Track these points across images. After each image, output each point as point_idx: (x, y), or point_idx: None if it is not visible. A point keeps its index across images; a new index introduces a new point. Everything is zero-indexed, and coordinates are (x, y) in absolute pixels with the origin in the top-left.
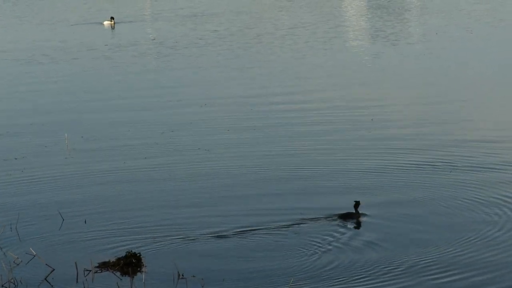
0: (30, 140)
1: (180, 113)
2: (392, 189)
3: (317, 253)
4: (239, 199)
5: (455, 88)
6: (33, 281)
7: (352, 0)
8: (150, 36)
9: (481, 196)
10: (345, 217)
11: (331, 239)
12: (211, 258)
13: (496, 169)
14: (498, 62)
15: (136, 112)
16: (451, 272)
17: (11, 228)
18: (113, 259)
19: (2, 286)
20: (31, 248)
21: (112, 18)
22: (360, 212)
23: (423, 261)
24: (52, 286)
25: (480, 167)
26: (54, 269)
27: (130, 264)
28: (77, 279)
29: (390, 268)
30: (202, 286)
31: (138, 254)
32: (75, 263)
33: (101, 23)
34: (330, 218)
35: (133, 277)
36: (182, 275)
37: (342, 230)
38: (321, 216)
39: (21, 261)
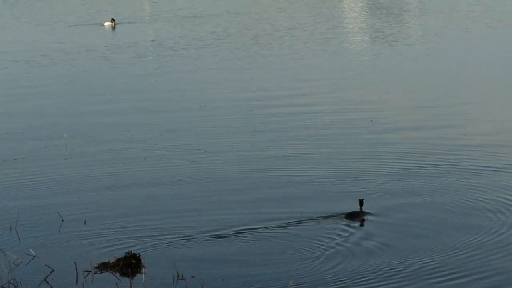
0: (30, 141)
1: (179, 114)
2: (393, 190)
3: (318, 253)
4: (239, 199)
5: (455, 89)
6: (33, 282)
7: (351, 1)
8: (150, 38)
9: (485, 198)
10: (352, 216)
11: (333, 240)
12: (211, 258)
13: (499, 170)
14: (498, 63)
15: (136, 113)
16: (455, 275)
17: (10, 228)
18: (112, 260)
19: (2, 287)
20: (30, 249)
21: (113, 19)
22: (364, 210)
23: (427, 263)
24: (51, 287)
25: (483, 168)
26: (53, 270)
27: (129, 265)
28: (76, 280)
29: (394, 270)
30: (202, 287)
31: (137, 255)
32: (75, 263)
33: (102, 24)
34: (337, 217)
35: (132, 278)
36: (182, 276)
37: (345, 231)
38: (323, 216)
39: (21, 261)
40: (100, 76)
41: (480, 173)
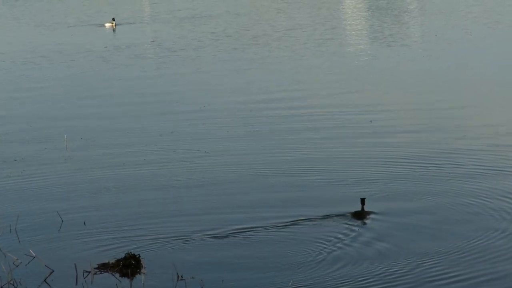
0: (30, 142)
1: (179, 115)
2: (394, 189)
3: (318, 254)
4: (239, 200)
5: (455, 89)
6: (33, 283)
7: (351, 2)
8: (150, 39)
9: (488, 199)
10: (358, 215)
11: (334, 240)
12: (211, 259)
13: (500, 170)
14: (497, 64)
15: (135, 113)
16: (461, 278)
17: (10, 229)
18: (112, 261)
19: (2, 287)
20: (30, 250)
21: (113, 19)
22: (366, 210)
23: (432, 265)
24: (51, 287)
25: (484, 168)
26: (53, 271)
27: (129, 265)
28: (76, 280)
29: (398, 272)
30: (201, 287)
31: (137, 256)
32: (75, 264)
33: (103, 25)
34: (337, 217)
35: (132, 278)
36: (181, 277)
37: (347, 231)
38: (324, 216)
39: (21, 262)
40: (100, 77)
41: (481, 173)
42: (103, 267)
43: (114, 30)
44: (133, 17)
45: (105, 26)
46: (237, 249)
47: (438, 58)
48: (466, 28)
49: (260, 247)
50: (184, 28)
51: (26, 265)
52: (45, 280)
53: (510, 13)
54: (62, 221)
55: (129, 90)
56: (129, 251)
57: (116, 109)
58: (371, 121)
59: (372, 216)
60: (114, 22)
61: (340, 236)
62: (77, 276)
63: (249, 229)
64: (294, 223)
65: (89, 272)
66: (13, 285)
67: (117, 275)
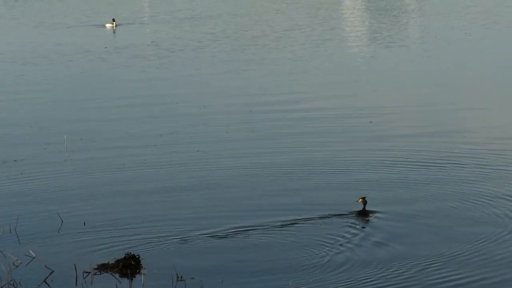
0: (29, 142)
1: (178, 115)
2: (395, 190)
3: (319, 254)
4: (239, 200)
5: (455, 89)
6: (33, 283)
7: (349, 3)
8: (150, 40)
9: (490, 196)
10: (359, 214)
11: (333, 240)
12: (210, 259)
13: (501, 170)
14: (496, 64)
15: (135, 114)
16: (461, 275)
17: (10, 229)
18: (112, 261)
19: (2, 287)
20: (30, 250)
21: (113, 20)
22: (368, 209)
23: (435, 266)
24: None
25: (484, 168)
26: (53, 271)
27: (129, 266)
28: (76, 281)
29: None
30: None
31: (137, 256)
32: (74, 265)
33: (103, 25)
34: (343, 216)
35: (132, 279)
36: (181, 277)
37: (347, 230)
38: (325, 216)
39: (21, 262)
40: (100, 78)
41: (481, 173)
42: (103, 268)
43: (114, 31)
44: (132, 17)
45: (105, 26)
46: (237, 249)
47: (438, 58)
48: (465, 29)
49: (260, 248)
50: (184, 29)
51: (26, 266)
52: (45, 281)
53: (508, 14)
54: (62, 221)
55: (129, 90)
56: (129, 252)
57: (116, 110)
58: (370, 121)
59: (373, 216)
60: (114, 22)
61: (340, 236)
62: (76, 276)
63: (248, 230)
64: (293, 223)
65: (89, 272)
66: (13, 285)
67: (117, 275)
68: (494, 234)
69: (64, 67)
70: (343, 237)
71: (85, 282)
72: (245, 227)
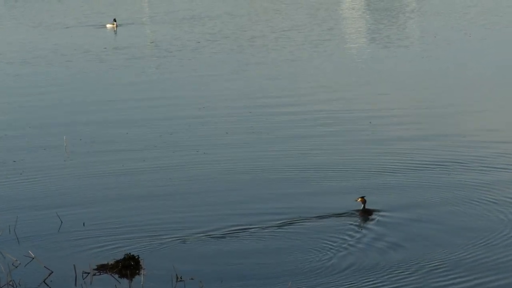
0: (29, 142)
1: (178, 116)
2: (395, 190)
3: (318, 254)
4: (239, 200)
5: (454, 90)
6: (32, 284)
7: (349, 3)
8: (150, 40)
9: (493, 197)
10: (366, 213)
11: (333, 240)
12: (210, 260)
13: (501, 170)
14: (496, 64)
15: (135, 114)
16: (462, 274)
17: (9, 230)
18: (111, 262)
19: None
20: (29, 251)
21: (114, 20)
22: (368, 208)
23: (438, 265)
24: None
25: (484, 168)
26: (52, 272)
27: (128, 266)
28: (75, 281)
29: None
30: None
31: (136, 257)
32: (74, 265)
33: (104, 26)
34: (343, 216)
35: (131, 279)
36: (181, 278)
37: (347, 230)
38: (324, 216)
39: (20, 263)
40: (100, 78)
41: (481, 174)
42: (102, 268)
43: (115, 31)
44: (132, 17)
45: (106, 27)
46: (236, 250)
47: (437, 58)
48: (465, 29)
49: (260, 248)
50: (183, 29)
51: (25, 266)
52: (44, 281)
53: (508, 14)
54: (61, 222)
55: (128, 91)
56: (128, 252)
57: (116, 110)
58: (370, 122)
59: (373, 215)
60: (115, 23)
61: (341, 237)
62: (76, 277)
63: (248, 230)
64: (292, 223)
65: (88, 273)
66: (12, 286)
67: (116, 276)
68: (498, 236)
69: (63, 67)
70: (342, 238)
71: (84, 282)
72: (245, 228)
